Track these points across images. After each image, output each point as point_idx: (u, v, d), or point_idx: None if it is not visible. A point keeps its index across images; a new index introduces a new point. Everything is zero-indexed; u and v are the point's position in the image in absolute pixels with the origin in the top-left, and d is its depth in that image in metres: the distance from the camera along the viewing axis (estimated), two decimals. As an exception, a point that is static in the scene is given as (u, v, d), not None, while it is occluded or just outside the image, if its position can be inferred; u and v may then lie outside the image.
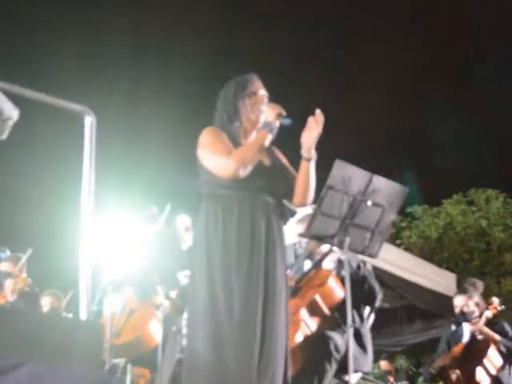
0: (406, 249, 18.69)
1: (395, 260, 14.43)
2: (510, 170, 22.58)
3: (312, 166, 4.50)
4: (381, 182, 4.57)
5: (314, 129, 4.47)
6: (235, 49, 24.03)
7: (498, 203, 20.71)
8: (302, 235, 4.66)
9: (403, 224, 20.85)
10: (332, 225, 4.53)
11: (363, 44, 25.64)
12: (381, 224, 4.63)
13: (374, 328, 8.52)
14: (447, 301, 8.66)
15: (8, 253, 8.44)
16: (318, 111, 4.47)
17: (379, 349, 14.12)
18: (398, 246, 18.38)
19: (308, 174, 4.51)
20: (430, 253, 19.62)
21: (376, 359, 12.96)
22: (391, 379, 12.53)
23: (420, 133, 24.35)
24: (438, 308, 13.70)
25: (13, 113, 5.67)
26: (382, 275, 10.71)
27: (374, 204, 4.56)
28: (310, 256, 6.35)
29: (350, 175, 4.48)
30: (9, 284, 8.06)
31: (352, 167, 4.49)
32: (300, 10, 24.57)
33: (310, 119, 4.48)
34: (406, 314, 15.28)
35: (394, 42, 25.73)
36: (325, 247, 6.16)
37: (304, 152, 4.50)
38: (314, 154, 4.50)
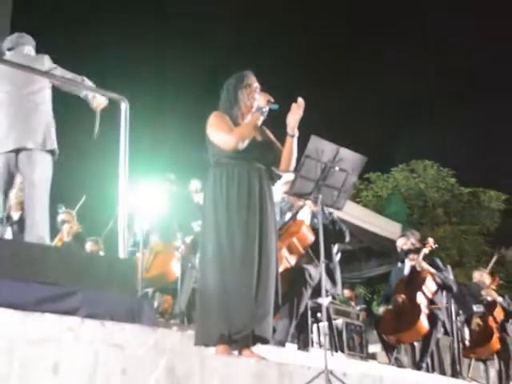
0: (364, 205, 18.75)
1: (356, 214, 14.51)
2: (443, 143, 22.64)
3: (295, 141, 4.54)
4: (346, 153, 4.58)
5: (296, 112, 4.49)
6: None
7: (433, 171, 20.76)
8: (286, 193, 4.66)
9: (362, 187, 20.94)
10: (309, 185, 4.53)
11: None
12: (345, 185, 4.63)
13: (340, 265, 8.56)
14: (394, 244, 8.68)
15: (64, 208, 8.47)
16: (299, 98, 4.50)
17: (343, 281, 14.16)
18: (358, 203, 18.43)
19: (291, 147, 4.54)
20: (382, 208, 19.67)
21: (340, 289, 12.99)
22: (353, 303, 12.53)
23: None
24: (387, 249, 13.77)
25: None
26: (345, 225, 10.80)
27: (341, 169, 4.56)
28: (290, 208, 6.39)
29: (322, 147, 4.48)
30: (66, 227, 8.14)
31: (324, 141, 4.50)
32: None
33: (294, 104, 4.50)
34: (364, 254, 15.41)
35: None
36: (300, 202, 6.21)
37: (289, 130, 4.53)
38: (296, 132, 4.53)
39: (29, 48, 5.63)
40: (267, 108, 4.53)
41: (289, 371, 4.04)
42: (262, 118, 4.55)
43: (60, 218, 8.37)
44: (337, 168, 4.54)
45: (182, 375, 3.44)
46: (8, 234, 6.64)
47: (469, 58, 24.01)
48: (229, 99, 4.69)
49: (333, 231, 6.16)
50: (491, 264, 9.13)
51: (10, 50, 5.54)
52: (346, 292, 13.04)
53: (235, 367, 3.78)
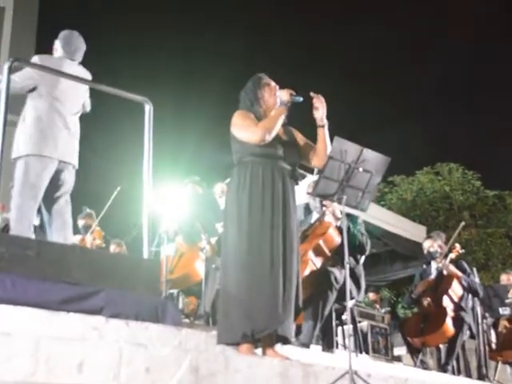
0: (389, 208, 18.66)
1: (380, 216, 14.41)
2: (469, 147, 22.53)
3: (326, 130, 4.56)
4: (369, 154, 4.55)
5: (319, 106, 4.53)
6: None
7: (458, 173, 20.64)
8: (310, 194, 4.64)
9: (386, 190, 20.85)
10: (332, 186, 4.50)
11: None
12: (369, 186, 4.59)
13: (364, 268, 8.52)
14: (419, 247, 8.63)
15: (88, 210, 8.44)
16: (313, 94, 4.54)
17: (368, 284, 14.11)
18: (382, 206, 18.35)
19: (324, 137, 4.56)
20: (406, 211, 19.56)
21: (365, 292, 12.94)
22: (377, 306, 12.48)
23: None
24: (412, 252, 13.67)
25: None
26: (370, 228, 10.73)
27: (364, 170, 4.53)
28: (317, 210, 6.36)
29: (345, 148, 4.45)
30: (89, 240, 8.08)
31: (348, 142, 4.48)
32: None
33: (315, 99, 4.54)
34: (389, 257, 15.27)
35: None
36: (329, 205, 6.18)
37: (318, 121, 4.55)
38: (325, 122, 4.55)
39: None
40: (290, 101, 4.54)
41: (313, 371, 4.02)
42: (286, 112, 4.55)
43: (80, 222, 8.33)
44: (360, 169, 4.51)
45: (206, 375, 3.44)
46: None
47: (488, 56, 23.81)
48: (249, 99, 4.68)
49: (355, 244, 6.09)
50: None
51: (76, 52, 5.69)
52: (371, 295, 12.99)
53: (259, 367, 3.76)
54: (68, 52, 5.57)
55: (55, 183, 5.37)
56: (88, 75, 5.61)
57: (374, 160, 4.56)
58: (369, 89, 24.53)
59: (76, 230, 7.88)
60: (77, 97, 5.55)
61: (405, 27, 24.99)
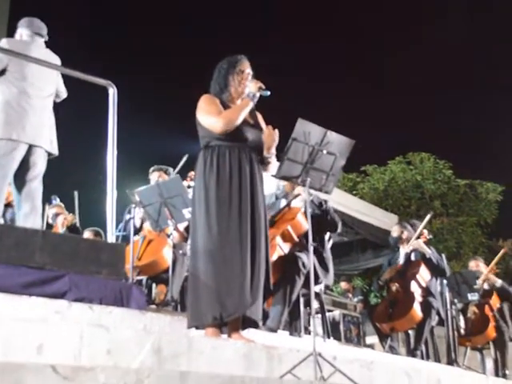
0: (361, 198, 18.74)
1: (352, 205, 14.53)
2: (440, 137, 22.69)
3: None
4: (333, 136, 4.54)
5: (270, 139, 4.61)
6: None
7: (429, 163, 20.72)
8: (273, 176, 4.64)
9: (358, 179, 20.93)
10: (296, 168, 4.49)
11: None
12: (334, 168, 4.59)
13: (337, 257, 8.59)
14: (389, 237, 8.71)
15: (58, 200, 8.42)
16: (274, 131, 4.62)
17: (340, 273, 14.21)
18: (355, 195, 18.43)
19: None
20: (378, 200, 19.65)
21: (338, 281, 13.02)
22: (350, 295, 12.54)
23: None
24: (384, 241, 13.70)
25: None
26: (342, 216, 10.77)
27: (328, 153, 4.53)
28: (285, 196, 6.39)
29: (309, 130, 4.44)
30: (60, 220, 8.10)
31: (311, 124, 4.46)
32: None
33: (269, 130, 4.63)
34: (361, 246, 15.38)
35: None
36: (296, 190, 6.21)
37: (265, 153, 4.63)
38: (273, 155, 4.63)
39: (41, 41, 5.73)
40: (258, 94, 4.55)
41: (278, 354, 4.03)
42: (252, 104, 4.57)
43: (51, 211, 8.33)
44: (325, 151, 4.52)
45: (169, 356, 3.44)
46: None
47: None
48: (219, 83, 4.68)
49: (325, 220, 6.14)
50: (497, 259, 9.11)
51: (35, 33, 5.65)
52: (343, 284, 13.06)
53: (223, 349, 3.77)
54: (32, 30, 5.57)
55: (25, 166, 5.37)
56: (56, 59, 5.60)
57: (338, 142, 4.56)
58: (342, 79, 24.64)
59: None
60: (47, 80, 5.53)
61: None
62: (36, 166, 5.43)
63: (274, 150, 4.60)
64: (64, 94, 5.81)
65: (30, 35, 5.60)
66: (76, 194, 7.70)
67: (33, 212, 5.33)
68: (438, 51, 24.61)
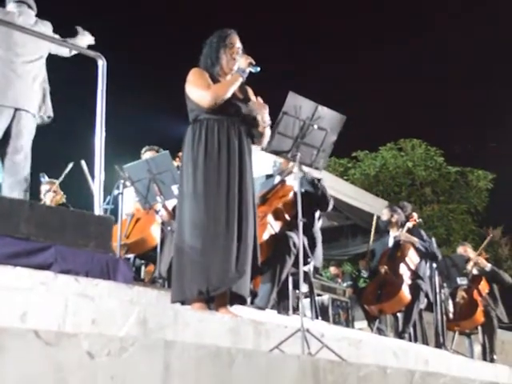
0: (352, 183, 18.73)
1: (343, 190, 14.45)
2: (431, 123, 22.71)
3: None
4: (324, 111, 4.49)
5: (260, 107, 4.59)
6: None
7: (420, 149, 20.78)
8: (263, 150, 4.59)
9: (349, 165, 20.96)
10: (286, 143, 4.44)
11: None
12: (324, 144, 4.54)
13: (326, 242, 8.55)
14: (379, 221, 8.70)
15: (46, 177, 8.33)
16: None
17: (330, 258, 14.22)
18: (346, 180, 18.42)
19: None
20: (369, 186, 19.67)
21: (327, 266, 13.01)
22: (339, 280, 12.55)
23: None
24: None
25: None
26: (333, 201, 10.71)
27: (319, 128, 4.48)
28: (280, 173, 6.34)
29: (300, 104, 4.39)
30: (49, 197, 7.99)
31: (302, 98, 4.41)
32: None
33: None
34: (351, 231, 15.34)
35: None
36: (290, 166, 6.16)
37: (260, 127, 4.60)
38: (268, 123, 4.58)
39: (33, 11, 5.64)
40: (248, 70, 4.51)
41: (265, 329, 4.00)
42: (241, 79, 4.53)
43: (43, 188, 8.26)
44: (315, 126, 4.47)
45: (155, 328, 3.41)
46: None
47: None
48: (210, 57, 4.64)
49: (316, 196, 6.11)
50: (484, 245, 9.14)
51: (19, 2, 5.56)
52: (333, 269, 13.08)
53: (210, 322, 3.74)
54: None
55: (9, 136, 5.27)
56: (47, 24, 5.52)
57: (329, 118, 4.51)
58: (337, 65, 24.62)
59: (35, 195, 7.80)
60: (34, 46, 5.41)
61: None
62: (21, 136, 5.29)
63: (267, 120, 4.55)
64: (65, 54, 5.66)
65: (16, 6, 5.52)
66: (83, 163, 7.49)
67: (17, 186, 5.19)
68: (430, 39, 24.62)
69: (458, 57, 24.45)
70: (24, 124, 5.32)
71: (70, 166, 7.24)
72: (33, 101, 5.35)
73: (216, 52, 4.63)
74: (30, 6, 5.60)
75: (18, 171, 5.22)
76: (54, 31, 5.54)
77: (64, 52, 5.68)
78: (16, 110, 5.26)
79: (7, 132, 5.25)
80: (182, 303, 4.23)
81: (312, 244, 6.09)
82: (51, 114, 5.48)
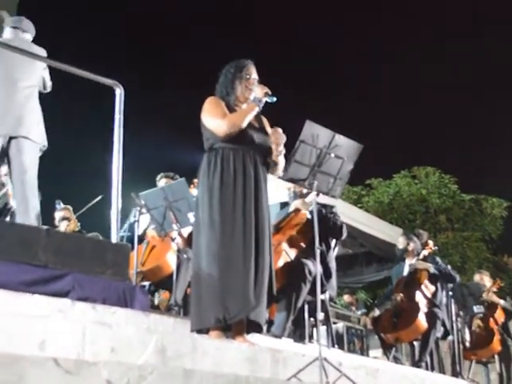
0: (366, 211, 18.67)
1: (357, 218, 14.40)
2: (445, 151, 22.69)
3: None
4: (341, 140, 4.52)
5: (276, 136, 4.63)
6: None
7: (434, 177, 20.69)
8: (280, 178, 4.60)
9: (363, 192, 20.90)
10: (303, 171, 4.47)
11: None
12: (341, 172, 4.56)
13: (341, 269, 8.53)
14: (395, 249, 8.67)
15: (62, 204, 8.34)
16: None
17: (344, 285, 14.14)
18: (360, 208, 18.37)
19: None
20: (383, 214, 19.56)
21: (341, 293, 12.96)
22: (353, 308, 12.48)
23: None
24: (388, 254, 13.65)
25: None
26: (347, 229, 10.70)
27: (336, 156, 4.51)
28: (295, 197, 6.32)
29: (317, 132, 4.42)
30: (63, 225, 7.98)
31: (319, 126, 4.43)
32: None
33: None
34: (365, 259, 15.28)
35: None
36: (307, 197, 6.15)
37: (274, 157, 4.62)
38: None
39: (28, 36, 5.65)
40: (264, 100, 4.53)
41: (283, 357, 4.00)
42: (257, 109, 4.55)
43: (58, 214, 8.27)
44: (332, 154, 4.48)
45: (173, 356, 3.39)
46: None
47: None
48: (225, 87, 4.67)
49: (327, 225, 6.08)
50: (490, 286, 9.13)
51: (14, 28, 5.58)
52: (347, 297, 13.01)
53: (228, 351, 3.73)
54: (16, 25, 5.55)
55: (10, 163, 5.19)
56: (42, 52, 5.52)
57: (346, 146, 4.54)
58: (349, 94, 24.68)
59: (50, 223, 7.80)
60: (27, 72, 5.38)
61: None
62: (21, 163, 5.15)
63: (282, 149, 4.56)
64: (49, 88, 5.63)
65: (12, 31, 5.54)
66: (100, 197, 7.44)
67: (25, 213, 5.09)
68: (442, 64, 24.69)
69: (474, 81, 24.45)
70: (21, 148, 5.18)
71: (99, 198, 7.28)
72: (27, 127, 5.23)
73: (232, 82, 4.66)
74: (24, 31, 5.62)
75: (26, 198, 5.12)
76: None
77: (48, 85, 5.64)
78: (11, 137, 5.17)
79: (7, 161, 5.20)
80: (199, 331, 4.22)
81: (326, 273, 6.06)
82: (46, 144, 5.35)
